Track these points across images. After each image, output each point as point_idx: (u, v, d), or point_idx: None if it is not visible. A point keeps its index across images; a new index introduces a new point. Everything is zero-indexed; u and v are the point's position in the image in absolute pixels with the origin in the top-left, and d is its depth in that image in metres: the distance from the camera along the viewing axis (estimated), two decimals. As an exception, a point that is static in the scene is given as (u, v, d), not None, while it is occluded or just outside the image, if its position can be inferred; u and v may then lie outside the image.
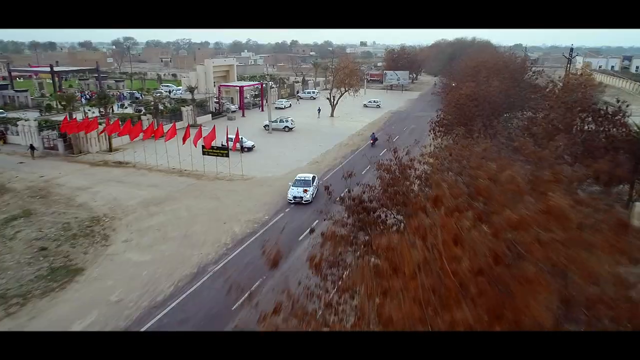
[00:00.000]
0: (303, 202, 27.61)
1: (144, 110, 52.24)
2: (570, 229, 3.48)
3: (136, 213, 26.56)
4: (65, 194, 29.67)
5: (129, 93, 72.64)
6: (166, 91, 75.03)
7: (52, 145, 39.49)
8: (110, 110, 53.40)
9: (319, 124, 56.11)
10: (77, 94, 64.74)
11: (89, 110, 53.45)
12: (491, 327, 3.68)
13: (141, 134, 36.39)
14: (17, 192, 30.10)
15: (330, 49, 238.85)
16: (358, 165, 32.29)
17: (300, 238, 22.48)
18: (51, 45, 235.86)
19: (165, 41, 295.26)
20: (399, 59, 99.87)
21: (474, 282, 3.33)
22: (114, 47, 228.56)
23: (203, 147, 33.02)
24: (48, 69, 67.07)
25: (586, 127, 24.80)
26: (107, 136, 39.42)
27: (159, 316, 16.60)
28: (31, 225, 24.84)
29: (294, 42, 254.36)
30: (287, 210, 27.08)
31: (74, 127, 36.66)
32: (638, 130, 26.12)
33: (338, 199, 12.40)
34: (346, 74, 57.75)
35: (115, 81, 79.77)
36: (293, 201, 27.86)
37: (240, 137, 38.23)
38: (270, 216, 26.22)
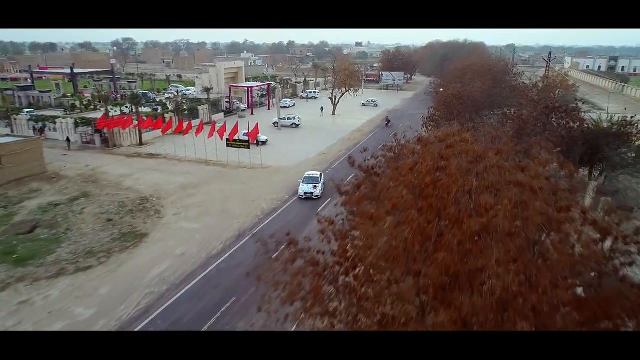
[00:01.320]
0: (313, 197, 30.50)
1: (160, 109, 57.41)
2: (468, 143, 8.54)
3: (177, 194, 31.70)
4: (112, 180, 34.74)
5: (142, 93, 77.54)
6: (175, 91, 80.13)
7: (88, 140, 44.55)
8: (132, 109, 58.53)
9: (322, 121, 61.40)
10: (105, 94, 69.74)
11: (112, 109, 58.51)
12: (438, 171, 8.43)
13: (172, 129, 41.50)
14: (70, 178, 35.16)
15: (327, 49, 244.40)
16: (361, 155, 38.06)
17: (318, 210, 27.73)
18: (52, 46, 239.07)
19: (164, 42, 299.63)
20: (395, 60, 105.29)
21: (432, 165, 8.34)
22: (115, 48, 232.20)
23: (227, 140, 38.22)
24: (68, 71, 71.83)
25: (551, 122, 30.19)
26: (138, 131, 44.52)
27: (217, 263, 21.85)
28: (92, 203, 29.93)
29: (291, 43, 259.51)
30: (303, 191, 32.35)
31: (112, 124, 41.73)
32: (594, 124, 31.67)
33: (358, 166, 17.61)
34: (347, 75, 63.14)
35: (128, 82, 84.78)
36: (304, 197, 30.50)
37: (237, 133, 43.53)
38: (290, 196, 31.44)
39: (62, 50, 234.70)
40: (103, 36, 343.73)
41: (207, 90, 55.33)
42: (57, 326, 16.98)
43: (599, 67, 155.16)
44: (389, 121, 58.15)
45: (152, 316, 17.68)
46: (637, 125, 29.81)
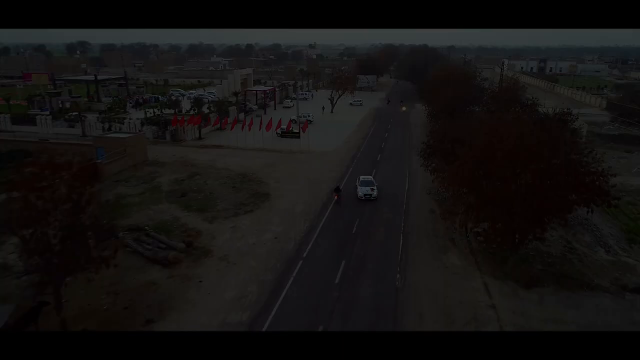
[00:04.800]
0: (371, 198, 34.92)
1: (183, 111, 68.16)
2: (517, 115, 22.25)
3: (264, 171, 43.61)
4: (205, 163, 45.89)
5: (154, 97, 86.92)
6: (177, 95, 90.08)
7: (158, 135, 55.14)
8: (161, 112, 68.76)
9: (326, 118, 74.51)
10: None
11: (147, 111, 68.69)
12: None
13: (237, 125, 53.40)
14: (170, 163, 46.00)
15: (287, 51, 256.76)
16: (378, 141, 52.75)
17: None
18: (5, 50, 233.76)
19: (120, 44, 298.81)
20: (365, 65, 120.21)
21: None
22: (78, 52, 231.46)
23: (282, 131, 50.62)
24: (92, 78, 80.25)
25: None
26: (198, 128, 55.70)
27: (331, 205, 34.49)
28: (208, 178, 41.28)
29: (250, 46, 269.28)
30: (354, 163, 45.49)
31: (182, 122, 52.78)
32: (543, 114, 47.16)
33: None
34: (343, 80, 76.95)
35: (137, 87, 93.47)
36: (364, 198, 34.76)
37: (292, 125, 56.27)
38: (346, 168, 44.42)
39: (18, 53, 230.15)
40: (53, 37, 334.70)
41: (236, 94, 66.94)
42: (268, 235, 29.08)
43: (531, 68, 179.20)
44: (389, 101, 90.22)
45: (318, 230, 30.13)
46: (571, 115, 45.60)
